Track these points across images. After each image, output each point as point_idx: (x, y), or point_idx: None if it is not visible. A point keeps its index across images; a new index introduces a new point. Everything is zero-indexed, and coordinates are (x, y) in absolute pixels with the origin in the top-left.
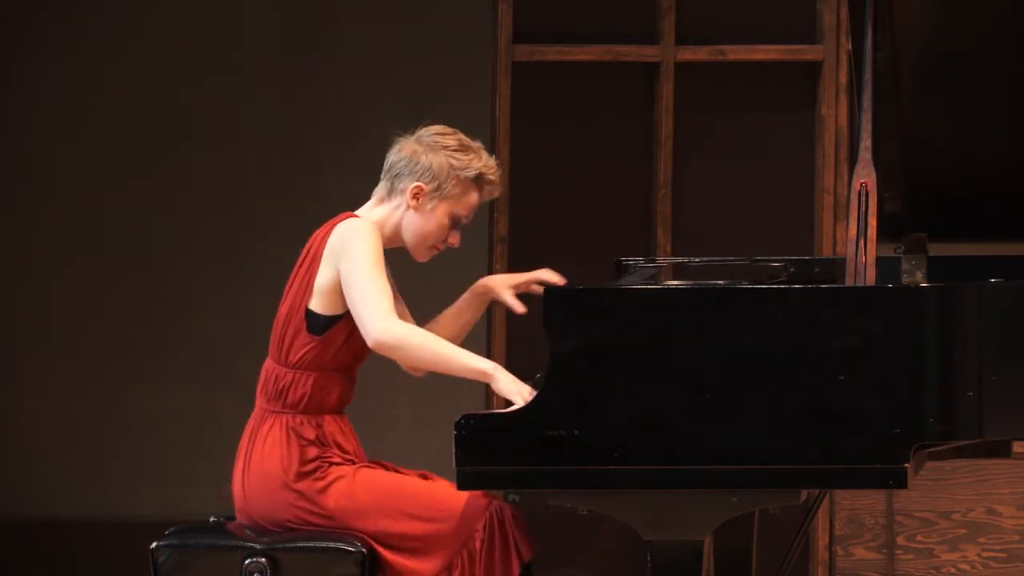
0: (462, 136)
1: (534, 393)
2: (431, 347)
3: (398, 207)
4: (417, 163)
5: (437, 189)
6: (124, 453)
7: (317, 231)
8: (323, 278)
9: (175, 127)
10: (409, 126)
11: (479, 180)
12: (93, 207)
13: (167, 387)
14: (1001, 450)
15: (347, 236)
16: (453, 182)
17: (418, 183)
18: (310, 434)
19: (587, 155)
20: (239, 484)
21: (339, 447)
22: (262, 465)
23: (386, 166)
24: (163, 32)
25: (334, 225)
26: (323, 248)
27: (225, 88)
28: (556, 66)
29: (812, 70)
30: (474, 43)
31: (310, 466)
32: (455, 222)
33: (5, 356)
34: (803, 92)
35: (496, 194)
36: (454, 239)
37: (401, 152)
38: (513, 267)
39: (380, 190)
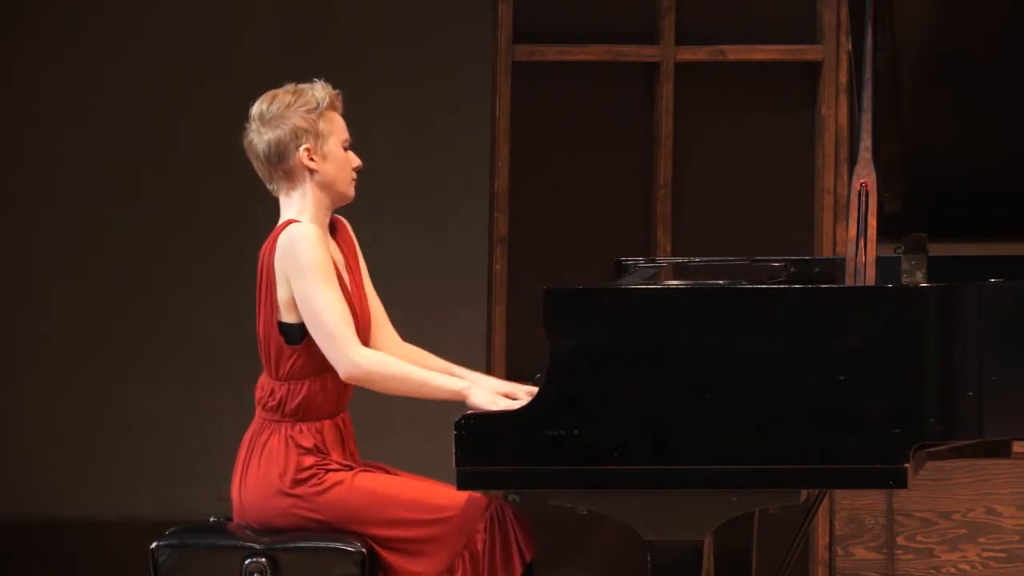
0: (284, 89)
1: (509, 402)
2: (400, 375)
3: (305, 180)
4: (284, 135)
5: (317, 136)
6: (124, 453)
7: (263, 246)
8: (283, 293)
9: (175, 127)
10: (409, 126)
11: (330, 104)
12: (93, 207)
13: (167, 387)
14: (1001, 450)
15: (288, 250)
16: (320, 122)
17: (302, 148)
18: (308, 442)
19: (587, 155)
20: (236, 492)
21: (338, 453)
22: (259, 473)
23: (261, 161)
24: (163, 32)
25: (275, 239)
26: (272, 265)
27: (225, 88)
28: (556, 66)
29: (812, 70)
30: (474, 43)
31: (306, 473)
32: (346, 147)
33: (5, 356)
34: (803, 92)
35: (340, 97)
36: (356, 161)
37: (262, 141)
38: (513, 267)
39: (281, 187)
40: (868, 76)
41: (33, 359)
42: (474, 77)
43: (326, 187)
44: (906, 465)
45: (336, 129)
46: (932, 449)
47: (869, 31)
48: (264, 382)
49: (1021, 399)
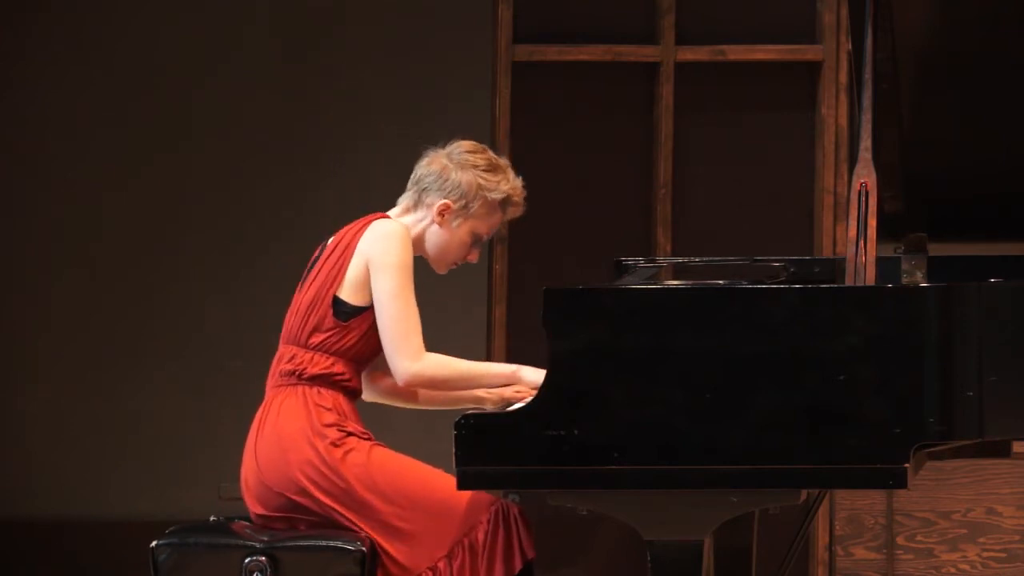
0: (491, 155)
1: None
2: (457, 374)
3: (422, 220)
4: (446, 180)
5: (464, 208)
6: (124, 453)
7: (348, 226)
8: (353, 272)
9: (175, 127)
10: (409, 126)
11: (505, 202)
12: (93, 207)
13: (167, 387)
14: (1001, 450)
15: (382, 239)
16: (480, 202)
17: (445, 200)
18: (327, 402)
19: (587, 155)
20: (251, 458)
21: (353, 424)
22: (277, 428)
23: (414, 177)
24: (163, 32)
25: (367, 223)
26: (355, 243)
27: (225, 88)
28: (556, 66)
29: (812, 70)
30: (474, 43)
31: (327, 429)
32: (476, 239)
33: (5, 356)
34: (803, 92)
35: (519, 214)
36: (473, 256)
37: (431, 166)
38: (513, 266)
39: (406, 200)
40: (868, 76)
41: (33, 359)
42: (474, 77)
43: (428, 242)
44: (906, 465)
45: (483, 220)
46: (932, 449)
47: (869, 31)
48: (284, 351)
49: (1021, 399)
